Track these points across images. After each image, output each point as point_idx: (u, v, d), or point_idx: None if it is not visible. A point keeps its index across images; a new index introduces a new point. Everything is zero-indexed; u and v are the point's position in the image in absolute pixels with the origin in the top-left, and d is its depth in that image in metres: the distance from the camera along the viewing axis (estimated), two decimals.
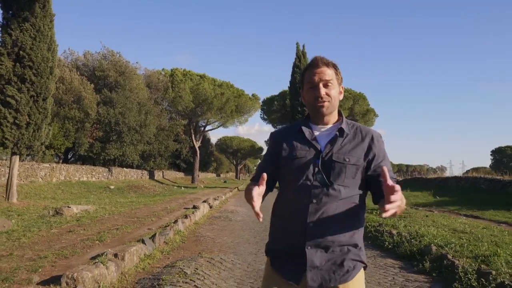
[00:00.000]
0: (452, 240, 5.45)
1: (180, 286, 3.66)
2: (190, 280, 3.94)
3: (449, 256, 4.61)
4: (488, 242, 5.47)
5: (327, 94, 1.51)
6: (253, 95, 37.69)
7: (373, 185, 1.50)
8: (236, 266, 4.91)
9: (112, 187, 20.58)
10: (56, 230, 6.72)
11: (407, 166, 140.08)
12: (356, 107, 37.22)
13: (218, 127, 39.13)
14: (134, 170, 28.58)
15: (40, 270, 4.03)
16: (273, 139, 1.67)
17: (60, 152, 22.26)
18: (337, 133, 1.52)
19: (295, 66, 26.64)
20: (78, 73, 23.93)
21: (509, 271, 3.80)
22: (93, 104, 22.51)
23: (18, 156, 11.91)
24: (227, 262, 5.06)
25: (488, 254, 4.52)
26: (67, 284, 3.45)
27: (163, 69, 34.07)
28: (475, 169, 50.64)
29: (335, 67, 1.56)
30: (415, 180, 32.63)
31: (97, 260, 4.05)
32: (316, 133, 1.56)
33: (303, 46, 26.85)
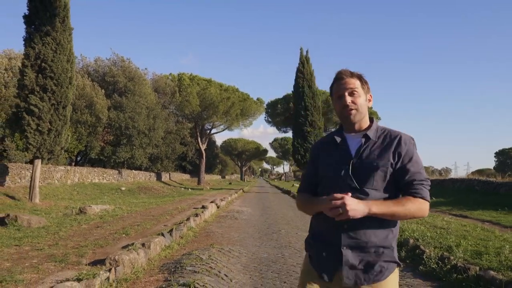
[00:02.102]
0: (427, 234, 6.33)
1: (199, 267, 4.59)
2: (206, 263, 4.87)
3: (421, 247, 5.49)
4: (457, 235, 6.36)
5: (353, 102, 1.61)
6: (257, 99, 38.57)
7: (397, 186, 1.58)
8: (242, 255, 5.82)
9: (123, 188, 21.58)
10: (86, 226, 7.69)
11: None
12: None
13: (224, 130, 40.05)
14: (142, 172, 29.60)
15: (85, 255, 4.98)
16: (312, 151, 1.83)
17: (73, 155, 23.31)
18: (363, 139, 1.62)
19: (298, 71, 27.17)
20: (90, 79, 24.94)
21: (463, 256, 4.69)
22: (104, 109, 23.46)
23: (40, 160, 12.88)
24: (235, 252, 5.98)
25: (453, 245, 5.40)
26: (110, 264, 4.38)
27: (170, 73, 35.00)
28: (479, 171, 50.84)
29: (359, 77, 1.66)
30: None
31: (129, 248, 4.99)
32: (348, 140, 1.66)
33: (307, 51, 27.53)
